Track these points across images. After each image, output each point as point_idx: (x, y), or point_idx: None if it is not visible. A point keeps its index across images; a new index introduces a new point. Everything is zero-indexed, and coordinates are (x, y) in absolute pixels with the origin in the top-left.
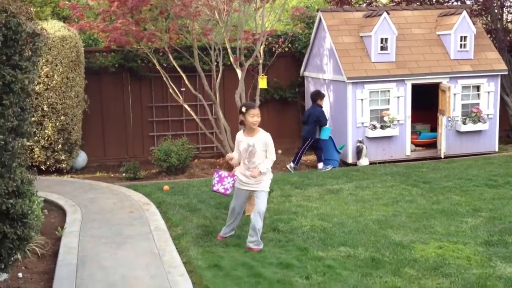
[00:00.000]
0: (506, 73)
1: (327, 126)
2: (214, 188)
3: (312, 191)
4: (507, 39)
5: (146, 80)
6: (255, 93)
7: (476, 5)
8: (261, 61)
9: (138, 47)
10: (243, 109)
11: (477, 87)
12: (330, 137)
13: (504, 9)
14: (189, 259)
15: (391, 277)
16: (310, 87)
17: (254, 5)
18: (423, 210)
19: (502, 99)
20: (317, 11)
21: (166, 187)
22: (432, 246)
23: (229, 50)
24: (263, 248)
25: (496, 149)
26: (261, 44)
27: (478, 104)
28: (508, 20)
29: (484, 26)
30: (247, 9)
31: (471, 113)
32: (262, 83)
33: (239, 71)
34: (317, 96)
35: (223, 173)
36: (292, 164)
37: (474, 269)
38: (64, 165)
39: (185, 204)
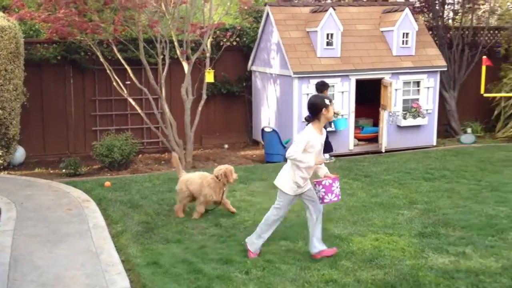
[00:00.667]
0: (446, 69)
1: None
2: (326, 201)
3: (257, 185)
4: (447, 36)
5: (89, 73)
6: (202, 87)
7: (418, 2)
8: (208, 55)
9: (82, 38)
10: (327, 102)
11: (418, 83)
12: (275, 131)
13: (445, 6)
14: (128, 257)
15: (328, 269)
16: (258, 82)
17: None
18: (363, 203)
19: (441, 94)
20: (265, 5)
21: (107, 183)
22: (369, 238)
23: (175, 43)
24: (205, 243)
25: (434, 143)
26: (209, 38)
27: (418, 99)
28: (449, 18)
29: (426, 23)
30: (195, 1)
31: (411, 108)
32: (209, 77)
33: (185, 65)
34: (323, 86)
35: (325, 181)
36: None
37: (408, 260)
38: (0, 161)
39: (126, 200)
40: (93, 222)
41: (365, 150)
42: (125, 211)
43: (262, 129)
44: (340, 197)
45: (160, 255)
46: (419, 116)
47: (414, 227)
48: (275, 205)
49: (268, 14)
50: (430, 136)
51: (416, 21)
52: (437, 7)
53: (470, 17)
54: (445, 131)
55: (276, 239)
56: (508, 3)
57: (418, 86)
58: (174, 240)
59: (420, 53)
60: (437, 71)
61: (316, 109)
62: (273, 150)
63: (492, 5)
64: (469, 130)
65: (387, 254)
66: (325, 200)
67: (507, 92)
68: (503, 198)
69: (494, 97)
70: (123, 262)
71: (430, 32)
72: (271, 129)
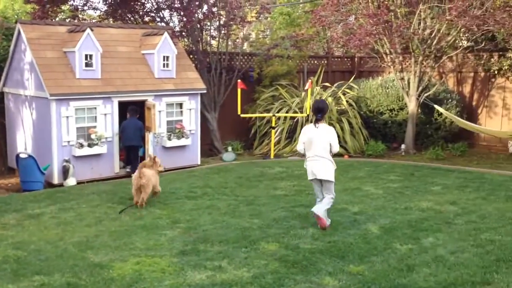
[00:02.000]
0: (206, 91)
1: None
2: None
3: (9, 218)
4: (206, 60)
5: None
6: None
7: (178, 27)
8: None
9: None
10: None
11: (180, 105)
12: (32, 157)
13: (204, 32)
14: None
15: None
16: (11, 104)
17: None
18: (126, 227)
19: (204, 115)
20: (16, 22)
21: None
22: (131, 262)
23: None
24: None
25: (199, 162)
26: None
27: (181, 120)
28: (207, 43)
29: (186, 47)
30: None
31: (175, 129)
32: None
33: None
34: (136, 111)
35: None
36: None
37: (167, 280)
38: None
39: None
40: None
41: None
42: None
43: (17, 155)
44: None
45: None
46: (183, 136)
47: (176, 247)
48: (331, 195)
49: (19, 32)
50: (194, 156)
51: (175, 45)
52: (196, 33)
53: (226, 43)
54: (209, 150)
55: (28, 275)
56: (259, 32)
57: (181, 108)
58: None
59: (181, 76)
60: (197, 93)
61: (325, 110)
62: (31, 178)
63: (245, 32)
64: (230, 148)
65: (147, 277)
66: None
67: (261, 113)
68: (257, 211)
69: (251, 117)
70: None
71: (191, 56)
72: (27, 155)
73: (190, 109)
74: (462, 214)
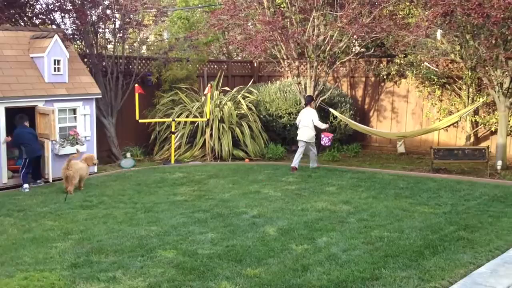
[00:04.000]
0: (101, 96)
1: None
2: (322, 143)
3: None
4: (102, 64)
5: None
6: None
7: (70, 30)
8: None
9: None
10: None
11: (74, 110)
12: None
13: (98, 35)
14: None
15: None
16: None
17: None
18: (13, 240)
19: (100, 121)
20: None
21: None
22: (18, 278)
23: None
24: None
25: (95, 170)
26: None
27: (75, 127)
28: (102, 46)
29: (79, 50)
30: None
31: (68, 136)
32: None
33: None
34: (23, 119)
35: (326, 134)
36: (26, 186)
37: None
38: None
39: None
40: None
41: (21, 183)
42: None
43: None
44: (329, 143)
45: None
46: (77, 143)
47: (67, 259)
48: (313, 148)
49: None
50: None
51: (67, 48)
52: (89, 35)
53: (122, 46)
54: (107, 156)
55: None
56: (157, 36)
57: (75, 114)
58: None
59: (74, 80)
60: (92, 98)
61: (311, 100)
62: None
63: (142, 36)
64: (128, 154)
65: None
66: (321, 142)
67: (161, 117)
68: (155, 218)
69: (150, 122)
70: None
71: (85, 60)
72: None
73: (84, 115)
74: (354, 212)
